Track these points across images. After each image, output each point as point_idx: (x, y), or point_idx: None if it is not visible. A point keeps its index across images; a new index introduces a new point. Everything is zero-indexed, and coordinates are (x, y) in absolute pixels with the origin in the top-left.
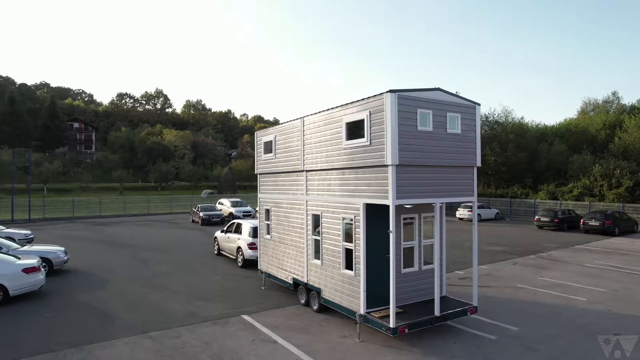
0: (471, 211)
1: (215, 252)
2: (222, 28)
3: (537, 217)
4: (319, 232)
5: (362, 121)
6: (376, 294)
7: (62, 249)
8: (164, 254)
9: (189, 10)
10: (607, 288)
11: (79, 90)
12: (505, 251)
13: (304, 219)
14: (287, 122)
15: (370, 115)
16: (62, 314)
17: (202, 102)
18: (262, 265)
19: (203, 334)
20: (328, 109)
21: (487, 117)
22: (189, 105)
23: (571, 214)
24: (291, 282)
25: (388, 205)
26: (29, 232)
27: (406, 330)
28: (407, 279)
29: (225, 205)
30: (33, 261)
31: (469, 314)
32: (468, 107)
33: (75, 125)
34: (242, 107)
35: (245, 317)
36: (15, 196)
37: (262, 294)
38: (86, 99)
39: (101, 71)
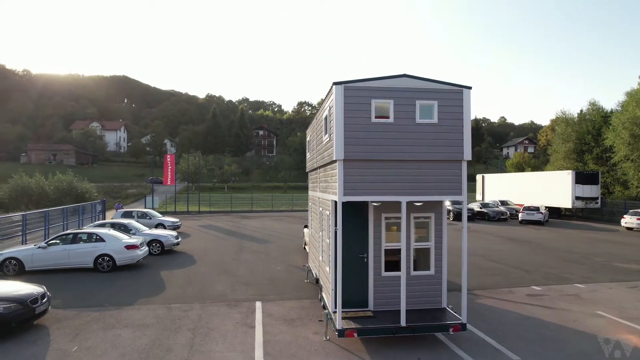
0: None
1: (303, 246)
2: (389, 30)
3: None
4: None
5: (327, 117)
6: (359, 295)
7: (174, 234)
8: (263, 244)
9: (364, 21)
10: None
11: (271, 102)
12: None
13: (317, 216)
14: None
15: (330, 110)
16: (137, 282)
17: None
18: (309, 260)
19: (208, 311)
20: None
21: None
22: None
23: None
24: (315, 276)
25: (364, 203)
26: (176, 220)
27: (355, 334)
28: (390, 284)
29: None
30: (135, 240)
31: (451, 332)
32: (450, 93)
33: (260, 132)
34: None
35: (258, 303)
36: (204, 193)
37: (299, 286)
38: (275, 109)
39: (288, 83)
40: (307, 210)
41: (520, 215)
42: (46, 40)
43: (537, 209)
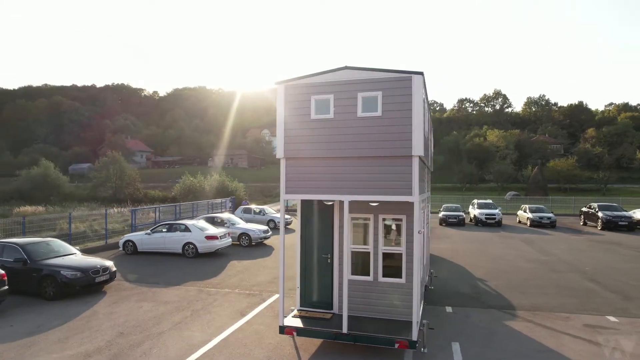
0: None
1: None
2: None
3: None
4: None
5: None
6: (324, 297)
7: (264, 228)
8: None
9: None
10: None
11: (432, 101)
12: None
13: None
14: None
15: None
16: (202, 267)
17: (546, 97)
18: None
19: (226, 297)
20: None
21: None
22: (530, 102)
23: None
24: None
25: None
26: (288, 217)
27: (294, 333)
28: (356, 287)
29: (473, 207)
30: (215, 232)
31: (396, 346)
32: (396, 81)
33: None
34: (603, 97)
35: (275, 296)
36: None
37: None
38: (437, 109)
39: (448, 81)
40: (434, 212)
41: None
42: (238, 61)
43: None
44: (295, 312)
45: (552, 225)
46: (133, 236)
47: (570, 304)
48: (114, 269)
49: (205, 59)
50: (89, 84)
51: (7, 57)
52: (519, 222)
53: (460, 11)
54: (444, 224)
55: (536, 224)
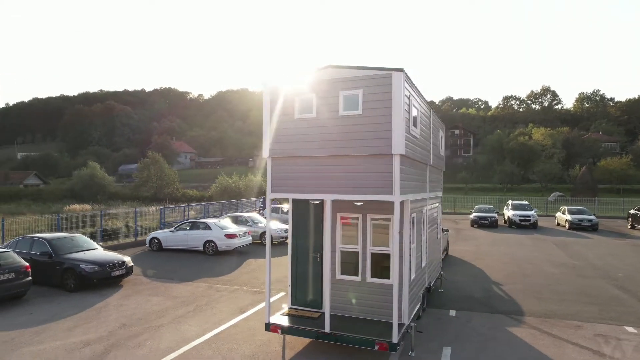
0: None
1: None
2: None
3: None
4: None
5: None
6: (314, 296)
7: (286, 227)
8: None
9: None
10: None
11: (476, 99)
12: None
13: None
14: None
15: None
16: (218, 264)
17: (600, 93)
18: None
19: (232, 294)
20: None
21: None
22: (582, 98)
23: None
24: None
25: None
26: None
27: (278, 331)
28: (345, 288)
29: (507, 208)
30: (235, 230)
31: (376, 348)
32: (376, 79)
33: (456, 132)
34: None
35: (281, 294)
36: None
37: None
38: (482, 107)
39: (494, 78)
40: (467, 214)
41: None
42: (280, 64)
43: None
44: (285, 310)
45: (593, 228)
46: (158, 234)
47: (588, 311)
48: (131, 264)
49: (248, 62)
50: (139, 89)
51: (68, 65)
52: (558, 224)
53: (507, 6)
54: (475, 226)
55: (575, 226)
